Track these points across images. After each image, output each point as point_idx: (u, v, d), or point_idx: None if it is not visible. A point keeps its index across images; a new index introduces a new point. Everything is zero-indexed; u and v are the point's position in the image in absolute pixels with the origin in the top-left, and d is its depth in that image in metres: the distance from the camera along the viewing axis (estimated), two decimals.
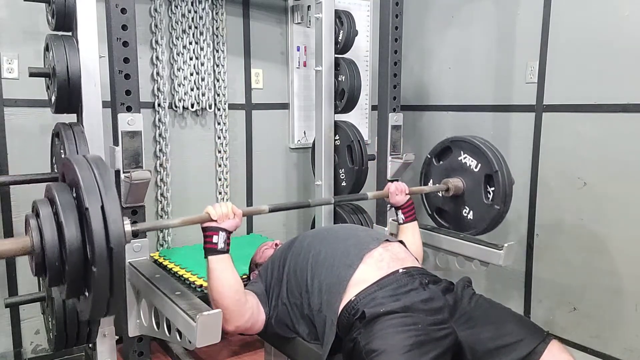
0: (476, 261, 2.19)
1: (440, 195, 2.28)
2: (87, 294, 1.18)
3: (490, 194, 2.10)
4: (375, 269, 1.55)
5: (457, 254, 2.26)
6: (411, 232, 2.01)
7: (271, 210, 1.75)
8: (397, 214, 2.05)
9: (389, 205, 2.11)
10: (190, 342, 1.45)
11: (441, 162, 2.30)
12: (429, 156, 2.34)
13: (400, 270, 1.56)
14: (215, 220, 1.53)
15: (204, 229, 1.54)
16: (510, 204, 2.12)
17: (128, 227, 1.34)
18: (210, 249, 1.53)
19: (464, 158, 2.18)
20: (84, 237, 1.13)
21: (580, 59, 2.44)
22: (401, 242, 1.77)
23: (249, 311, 1.57)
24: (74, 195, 1.17)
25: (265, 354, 1.99)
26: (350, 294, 1.51)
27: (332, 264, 1.58)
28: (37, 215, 1.16)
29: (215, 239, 1.53)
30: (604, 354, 2.43)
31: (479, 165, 2.12)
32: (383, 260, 1.59)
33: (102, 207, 1.12)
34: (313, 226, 2.85)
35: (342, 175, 2.70)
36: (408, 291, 1.50)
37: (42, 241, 1.14)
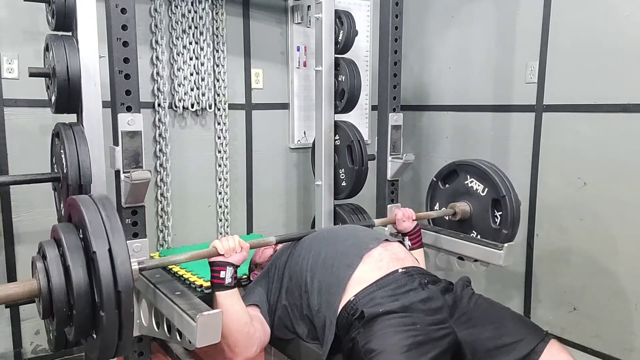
0: (476, 261, 2.19)
1: (447, 219, 2.28)
2: (94, 336, 1.17)
3: (497, 218, 2.10)
4: (375, 269, 1.55)
5: (457, 254, 2.26)
6: (418, 259, 1.99)
7: (278, 242, 1.75)
8: (403, 240, 2.02)
9: (395, 232, 2.09)
10: (190, 342, 1.45)
11: (447, 186, 2.30)
12: (435, 179, 2.35)
13: (400, 270, 1.56)
14: (223, 255, 1.52)
15: (211, 264, 1.53)
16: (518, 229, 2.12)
17: (135, 266, 1.34)
18: (218, 285, 1.51)
19: (471, 182, 2.18)
20: (92, 280, 1.12)
21: (580, 59, 2.44)
22: (401, 242, 1.77)
23: (257, 340, 1.56)
24: (81, 236, 1.16)
25: (265, 354, 1.98)
26: (349, 294, 1.51)
27: (331, 264, 1.58)
28: (44, 258, 1.15)
29: (222, 274, 1.51)
30: (604, 354, 2.43)
31: (486, 189, 2.12)
32: (382, 260, 1.59)
33: (110, 250, 1.11)
34: (313, 226, 2.85)
35: (342, 175, 2.70)
36: (407, 291, 1.50)
37: (49, 285, 1.13)
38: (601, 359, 2.44)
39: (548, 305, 2.65)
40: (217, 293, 1.51)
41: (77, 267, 1.11)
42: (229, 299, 1.50)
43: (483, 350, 1.42)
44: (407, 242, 2.01)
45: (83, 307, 1.11)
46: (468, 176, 2.19)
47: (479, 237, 2.18)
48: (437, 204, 2.35)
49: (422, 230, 2.10)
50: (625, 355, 2.35)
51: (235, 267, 1.54)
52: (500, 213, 2.09)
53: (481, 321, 1.47)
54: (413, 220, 2.02)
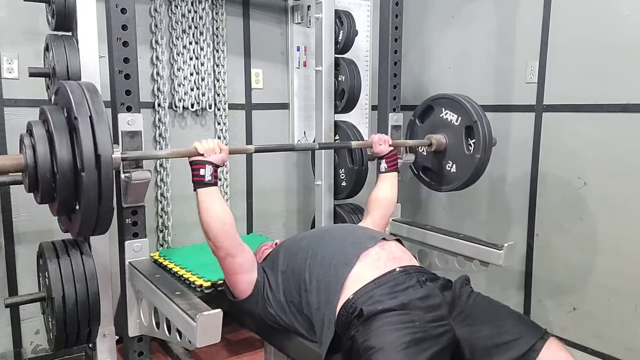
0: (476, 261, 2.19)
1: (425, 153, 2.36)
2: (77, 207, 1.21)
3: (471, 145, 2.17)
4: (373, 268, 1.56)
5: (457, 254, 2.27)
6: (390, 181, 2.12)
7: (257, 151, 1.90)
8: (379, 163, 2.14)
9: (371, 156, 2.24)
10: (190, 342, 1.46)
11: (424, 122, 2.38)
12: (412, 118, 2.42)
13: (397, 269, 1.57)
14: (202, 155, 1.59)
15: (192, 163, 1.61)
16: (491, 154, 2.19)
17: (117, 154, 1.41)
18: (198, 182, 1.59)
19: (445, 114, 2.26)
20: (74, 149, 1.18)
21: (580, 59, 2.44)
22: (398, 240, 1.78)
23: (239, 247, 1.62)
24: (66, 115, 1.22)
25: (265, 353, 1.99)
26: (348, 292, 1.51)
27: (330, 263, 1.59)
28: (31, 134, 1.22)
29: (202, 171, 1.59)
30: (604, 354, 2.43)
31: (459, 118, 2.20)
32: (380, 259, 1.59)
33: (91, 118, 1.18)
34: (313, 226, 2.86)
35: (342, 175, 2.70)
36: (405, 289, 1.50)
37: (35, 157, 1.19)
38: (601, 359, 2.44)
39: (548, 305, 2.65)
40: (197, 190, 1.59)
41: (62, 138, 1.18)
42: (208, 195, 1.58)
43: (482, 348, 1.43)
44: (384, 164, 2.13)
45: (66, 173, 1.17)
46: (443, 109, 2.28)
47: (454, 166, 2.25)
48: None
49: (422, 230, 2.11)
50: (625, 355, 2.35)
51: (215, 166, 1.61)
52: (473, 140, 2.16)
53: (480, 319, 1.48)
54: (389, 145, 2.13)
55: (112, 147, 1.20)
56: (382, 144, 2.12)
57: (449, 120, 2.23)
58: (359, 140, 2.62)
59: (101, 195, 1.19)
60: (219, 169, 1.68)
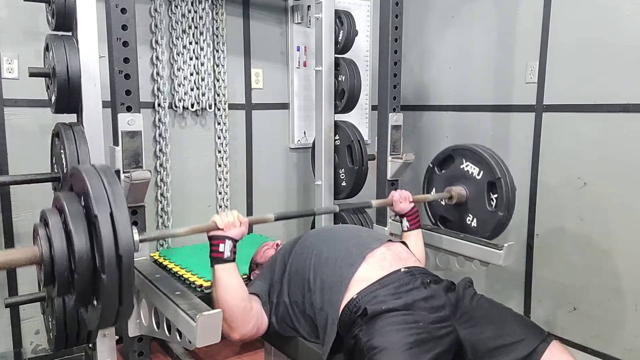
0: (476, 261, 2.19)
1: (444, 203, 2.28)
2: (95, 303, 1.17)
3: (493, 200, 2.10)
4: (378, 268, 1.56)
5: (457, 254, 2.26)
6: (414, 240, 2.01)
7: (277, 219, 1.75)
8: (401, 222, 2.04)
9: (393, 214, 2.10)
10: (190, 342, 1.46)
11: (443, 171, 2.30)
12: (431, 165, 2.34)
13: (402, 270, 1.57)
14: (222, 229, 1.53)
15: (210, 238, 1.54)
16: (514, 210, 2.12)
17: (136, 236, 1.33)
18: (216, 258, 1.52)
19: (466, 166, 2.18)
20: (93, 245, 1.12)
21: (580, 58, 2.44)
22: (403, 242, 1.78)
23: (254, 318, 1.57)
24: (83, 204, 1.16)
25: (265, 354, 1.99)
26: (352, 292, 1.51)
27: (334, 263, 1.59)
28: (46, 225, 1.15)
29: (221, 247, 1.52)
30: (604, 354, 2.43)
31: (482, 172, 2.12)
32: (385, 259, 1.59)
33: (112, 214, 1.11)
34: (313, 226, 2.85)
35: (342, 175, 2.70)
36: (410, 289, 1.50)
37: (51, 250, 1.13)
38: (601, 359, 2.44)
39: (548, 305, 2.65)
40: (215, 266, 1.52)
41: (79, 232, 1.11)
42: (227, 272, 1.52)
43: (484, 350, 1.43)
44: (405, 223, 2.03)
45: (84, 271, 1.12)
46: (464, 160, 2.19)
47: (475, 220, 2.18)
48: (434, 190, 2.35)
49: (422, 230, 2.10)
50: (625, 355, 2.35)
51: (234, 241, 1.55)
52: (495, 196, 2.09)
53: (483, 321, 1.48)
54: (410, 201, 2.04)
55: (133, 240, 1.14)
56: (402, 201, 2.01)
57: (470, 172, 2.15)
58: (358, 140, 2.62)
59: (122, 296, 1.13)
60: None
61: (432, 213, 2.38)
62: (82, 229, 1.12)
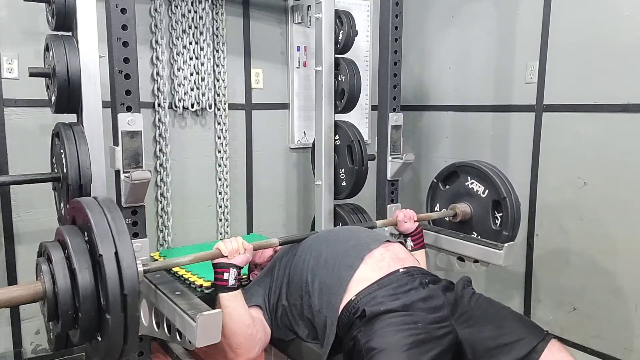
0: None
1: (448, 220, 2.28)
2: (99, 339, 1.16)
3: (498, 219, 2.09)
4: (376, 269, 1.56)
5: (457, 254, 2.26)
6: (419, 259, 1.97)
7: (281, 244, 1.74)
8: (405, 241, 2.02)
9: (397, 234, 2.10)
10: (190, 342, 1.45)
11: (447, 187, 2.30)
12: (435, 180, 2.34)
13: (401, 270, 1.56)
14: (226, 256, 1.52)
15: (215, 266, 1.53)
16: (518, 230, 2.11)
17: (140, 268, 1.33)
18: (221, 287, 1.51)
19: (471, 183, 2.17)
20: (97, 283, 1.11)
21: (580, 59, 2.44)
22: (401, 242, 1.77)
23: (260, 342, 1.57)
24: (86, 239, 1.15)
25: (265, 353, 1.98)
26: (350, 293, 1.51)
27: (332, 265, 1.58)
28: (49, 260, 1.15)
29: (226, 275, 1.51)
30: (604, 354, 2.43)
31: (487, 191, 2.12)
32: (384, 260, 1.59)
33: (116, 254, 1.10)
34: (313, 226, 2.85)
35: (342, 175, 2.70)
36: (408, 290, 1.50)
37: (54, 287, 1.12)
38: (601, 359, 2.44)
39: (548, 305, 2.65)
40: (220, 295, 1.51)
41: (84, 270, 1.10)
42: (233, 301, 1.50)
43: (483, 350, 1.43)
44: (410, 243, 2.01)
45: (89, 310, 1.11)
46: (469, 177, 2.18)
47: (479, 238, 2.17)
48: (438, 205, 2.35)
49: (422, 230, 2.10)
50: (625, 355, 2.35)
51: (239, 268, 1.53)
52: (500, 214, 2.08)
53: (482, 320, 1.48)
54: (414, 221, 2.02)
55: (138, 279, 1.13)
56: (407, 221, 2.00)
57: (475, 190, 2.15)
58: (358, 140, 2.62)
59: (127, 335, 1.13)
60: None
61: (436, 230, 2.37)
62: (86, 267, 1.11)
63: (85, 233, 1.16)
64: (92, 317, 1.12)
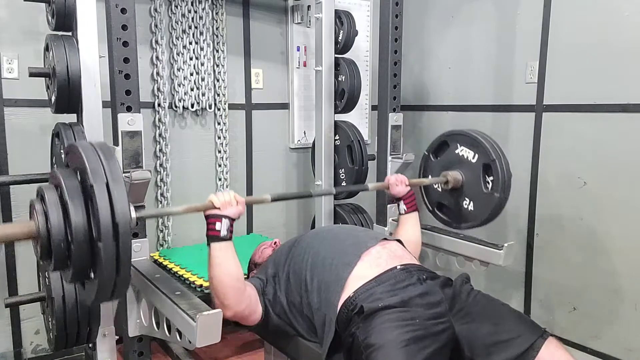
0: (476, 261, 2.19)
1: (440, 189, 2.28)
2: (92, 275, 1.17)
3: (489, 183, 2.09)
4: (374, 266, 1.56)
5: (457, 254, 2.27)
6: (411, 223, 2.03)
7: (274, 200, 1.76)
8: (398, 205, 2.06)
9: (389, 198, 2.12)
10: (190, 342, 1.46)
11: (439, 158, 2.30)
12: (426, 153, 2.34)
13: (398, 267, 1.57)
14: (218, 208, 1.53)
15: (207, 217, 1.55)
16: (510, 193, 2.09)
17: (133, 214, 1.33)
18: (213, 236, 1.53)
19: (461, 151, 2.18)
20: (90, 216, 1.13)
21: (580, 59, 2.44)
22: (399, 240, 1.78)
23: (247, 300, 1.58)
24: (79, 179, 1.17)
25: (265, 353, 1.99)
26: (348, 290, 1.52)
27: (330, 263, 1.59)
28: (43, 200, 1.17)
29: (218, 226, 1.52)
30: (604, 354, 2.43)
31: (476, 155, 2.12)
32: (381, 257, 1.60)
33: (107, 185, 1.12)
34: (313, 226, 2.86)
35: (342, 175, 2.70)
36: (406, 286, 1.51)
37: (47, 224, 1.14)
38: (601, 359, 2.44)
39: (548, 305, 2.65)
40: (211, 244, 1.53)
41: (76, 204, 1.12)
42: (223, 251, 1.52)
43: (481, 346, 1.43)
44: (402, 206, 2.04)
45: (81, 242, 1.12)
46: (458, 145, 2.19)
47: (472, 203, 2.16)
48: (430, 177, 2.34)
49: (421, 230, 2.10)
50: (625, 355, 2.35)
51: (231, 220, 1.55)
52: (491, 178, 2.08)
53: (479, 317, 1.48)
54: (406, 185, 2.04)
55: (130, 213, 1.15)
56: (399, 184, 2.03)
57: (465, 157, 2.14)
58: (358, 140, 2.62)
59: (119, 265, 1.13)
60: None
61: (429, 200, 2.36)
62: (78, 202, 1.13)
63: (79, 174, 1.18)
64: (84, 250, 1.13)
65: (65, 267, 1.19)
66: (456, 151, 2.19)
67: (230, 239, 1.54)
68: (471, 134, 2.14)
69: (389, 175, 2.09)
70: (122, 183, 1.15)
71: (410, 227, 2.01)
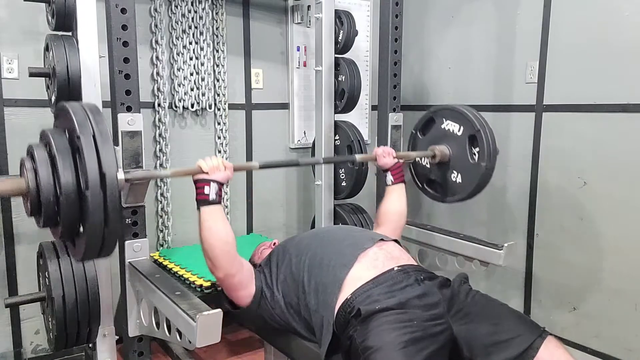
0: (476, 261, 2.19)
1: (428, 165, 2.30)
2: (82, 230, 1.18)
3: (475, 154, 2.11)
4: (371, 268, 1.56)
5: (457, 254, 2.27)
6: (398, 193, 2.07)
7: (261, 167, 1.84)
8: (386, 177, 2.10)
9: (376, 169, 2.17)
10: (190, 342, 1.46)
11: (426, 135, 2.32)
12: (414, 131, 2.35)
13: (396, 268, 1.57)
14: (207, 172, 1.56)
15: (196, 181, 1.57)
16: (496, 163, 2.12)
17: (121, 175, 1.38)
18: (202, 200, 1.55)
19: (447, 125, 2.21)
20: (77, 170, 1.14)
21: (580, 59, 2.44)
22: (396, 241, 1.78)
23: (239, 266, 1.60)
24: (68, 137, 1.19)
25: (265, 353, 1.99)
26: (346, 292, 1.51)
27: (328, 264, 1.59)
28: (32, 158, 1.19)
29: (207, 190, 1.55)
30: (604, 354, 2.43)
31: (462, 128, 2.15)
32: (378, 259, 1.60)
33: (94, 137, 1.14)
34: (313, 226, 2.86)
35: (342, 175, 2.70)
36: (403, 287, 1.51)
37: (37, 180, 1.16)
38: (601, 359, 2.44)
39: (548, 305, 2.65)
40: (201, 208, 1.55)
41: (64, 159, 1.14)
42: (213, 214, 1.54)
43: (480, 346, 1.43)
44: (390, 177, 2.08)
45: (69, 195, 1.14)
46: (444, 119, 2.22)
47: (459, 175, 2.18)
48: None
49: (421, 230, 2.11)
50: (625, 355, 2.35)
51: (220, 184, 1.58)
52: (477, 149, 2.10)
53: (478, 317, 1.48)
54: (394, 157, 2.09)
55: (117, 167, 1.17)
56: (386, 156, 2.08)
57: (451, 130, 2.17)
58: (358, 140, 2.62)
59: (107, 215, 1.15)
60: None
61: (418, 177, 2.38)
62: (67, 156, 1.15)
63: (67, 131, 1.20)
64: (73, 203, 1.14)
65: (55, 223, 1.20)
66: (442, 126, 2.23)
67: (219, 202, 1.57)
68: (455, 107, 2.18)
69: (377, 147, 2.13)
70: (109, 137, 1.18)
71: (396, 197, 2.05)
